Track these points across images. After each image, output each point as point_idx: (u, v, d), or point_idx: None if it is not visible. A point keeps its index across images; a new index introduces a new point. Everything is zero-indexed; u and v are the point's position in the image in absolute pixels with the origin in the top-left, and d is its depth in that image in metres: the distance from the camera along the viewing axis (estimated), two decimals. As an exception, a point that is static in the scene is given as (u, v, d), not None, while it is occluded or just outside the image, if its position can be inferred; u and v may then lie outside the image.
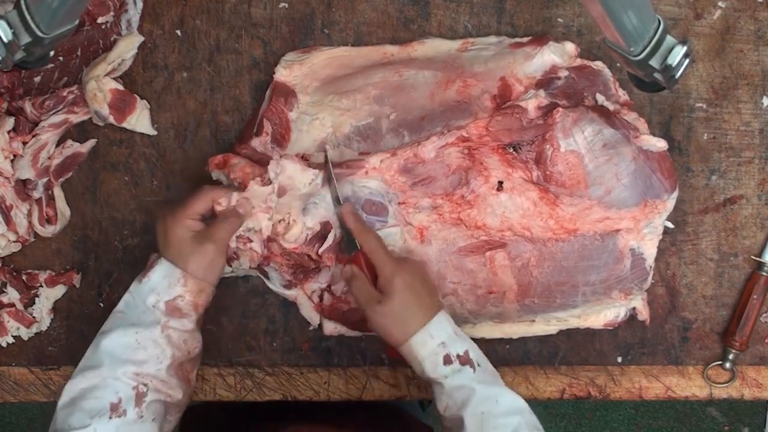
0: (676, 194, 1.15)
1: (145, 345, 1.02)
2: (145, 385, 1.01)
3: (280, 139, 1.16)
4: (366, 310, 1.07)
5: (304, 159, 1.15)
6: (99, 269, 1.23)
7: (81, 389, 1.00)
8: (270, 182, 1.10)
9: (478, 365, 1.04)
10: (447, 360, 1.03)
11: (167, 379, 1.03)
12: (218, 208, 1.08)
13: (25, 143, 1.18)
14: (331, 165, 1.13)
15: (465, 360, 1.04)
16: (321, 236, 1.14)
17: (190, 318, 1.05)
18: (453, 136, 1.13)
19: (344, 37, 1.22)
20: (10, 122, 1.17)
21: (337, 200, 1.13)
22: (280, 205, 1.12)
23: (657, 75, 0.98)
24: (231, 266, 1.17)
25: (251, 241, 1.13)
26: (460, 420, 1.01)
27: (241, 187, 1.10)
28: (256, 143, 1.15)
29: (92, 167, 1.22)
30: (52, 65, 1.19)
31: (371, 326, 1.08)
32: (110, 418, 0.98)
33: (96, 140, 1.22)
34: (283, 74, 1.18)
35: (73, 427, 0.97)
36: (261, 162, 1.13)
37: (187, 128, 1.22)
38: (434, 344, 1.04)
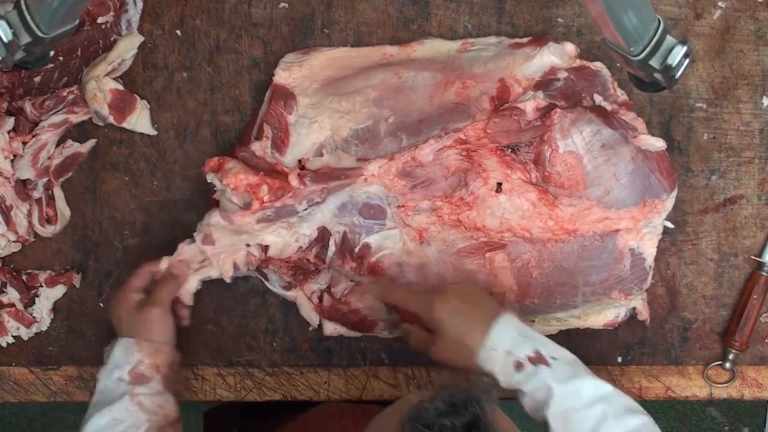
0: (675, 194, 1.15)
1: (121, 418, 1.05)
2: None
3: (279, 143, 1.16)
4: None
5: (302, 166, 1.15)
6: (99, 269, 1.23)
7: None
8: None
9: (554, 359, 1.01)
10: (518, 366, 1.00)
11: None
12: (155, 275, 1.14)
13: (25, 143, 1.18)
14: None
15: (537, 359, 1.00)
16: (319, 241, 1.14)
17: (155, 379, 1.08)
18: (450, 139, 1.13)
19: (344, 37, 1.22)
20: (10, 122, 1.16)
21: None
22: (235, 241, 1.13)
23: (657, 75, 0.98)
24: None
25: (249, 245, 1.13)
26: (545, 421, 0.98)
27: (235, 194, 1.10)
28: (256, 147, 1.15)
29: (92, 167, 1.22)
30: (52, 65, 1.19)
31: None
32: None
33: (96, 140, 1.22)
34: (282, 76, 1.18)
35: None
36: (258, 167, 1.12)
37: (187, 128, 1.22)
38: (499, 356, 1.00)
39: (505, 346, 1.01)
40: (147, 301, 1.11)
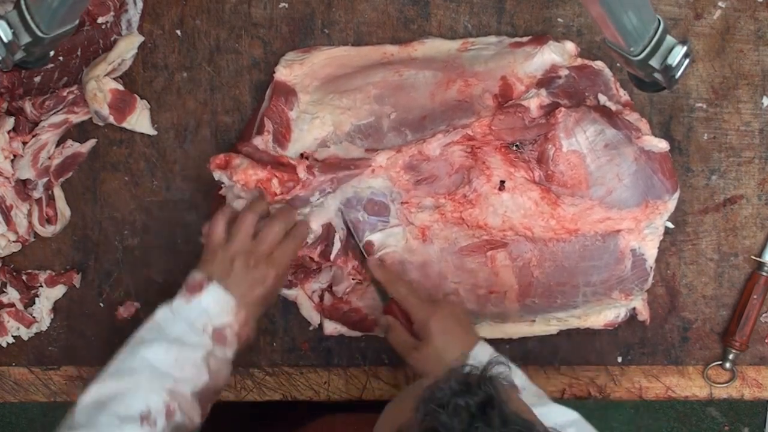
0: (677, 195, 1.15)
1: (183, 365, 1.00)
2: (177, 403, 0.99)
3: (281, 139, 1.16)
4: (406, 359, 1.08)
5: (305, 158, 1.15)
6: (99, 269, 1.22)
7: (112, 392, 0.98)
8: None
9: (523, 389, 1.03)
10: None
11: (193, 403, 1.01)
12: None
13: (25, 143, 1.18)
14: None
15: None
16: (324, 239, 1.14)
17: (231, 348, 1.04)
18: (458, 134, 1.13)
19: (344, 37, 1.22)
20: (10, 122, 1.16)
21: (362, 254, 1.15)
22: None
23: (657, 75, 0.98)
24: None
25: None
26: None
27: (245, 189, 1.10)
28: (258, 141, 1.15)
29: (92, 167, 1.22)
30: (52, 65, 1.19)
31: (413, 371, 1.08)
32: (141, 425, 0.96)
33: (96, 140, 1.22)
34: (283, 73, 1.18)
35: (102, 427, 0.95)
36: (262, 161, 1.12)
37: (187, 128, 1.22)
38: None
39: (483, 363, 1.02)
40: (267, 260, 1.05)
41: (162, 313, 1.03)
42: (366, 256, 1.15)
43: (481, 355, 1.04)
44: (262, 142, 1.15)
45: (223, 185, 1.14)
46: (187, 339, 1.01)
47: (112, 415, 0.96)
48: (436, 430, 0.77)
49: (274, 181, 1.11)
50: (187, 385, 1.00)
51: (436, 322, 1.07)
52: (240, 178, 1.10)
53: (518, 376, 1.05)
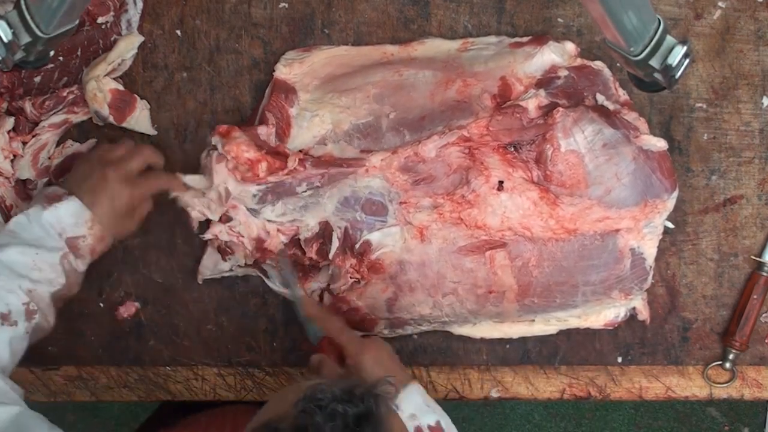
0: (676, 194, 1.15)
1: (41, 267, 1.04)
2: (35, 304, 1.03)
3: (282, 134, 1.16)
4: None
5: (306, 155, 1.15)
6: (99, 269, 1.22)
7: None
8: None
9: None
10: (418, 431, 1.01)
11: (50, 305, 1.05)
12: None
13: (25, 143, 1.18)
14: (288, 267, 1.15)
15: (436, 431, 1.02)
16: (320, 237, 1.14)
17: (84, 260, 1.08)
18: (454, 136, 1.13)
19: (344, 36, 1.22)
20: (10, 122, 1.17)
21: (295, 293, 1.16)
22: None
23: (657, 75, 0.98)
24: (226, 260, 1.17)
25: (243, 236, 1.14)
26: None
27: (233, 162, 1.11)
28: (262, 131, 1.15)
29: (92, 167, 1.22)
30: (52, 65, 1.19)
31: None
32: (2, 324, 1.00)
33: (96, 140, 1.22)
34: (283, 72, 1.19)
35: None
36: (261, 147, 1.12)
37: (187, 128, 1.22)
38: (404, 417, 1.02)
39: (411, 410, 1.02)
40: (133, 182, 1.09)
41: (16, 220, 1.06)
42: (296, 296, 1.16)
43: (408, 403, 1.02)
44: (265, 134, 1.15)
45: (214, 148, 1.14)
46: (44, 242, 1.05)
47: None
48: (306, 429, 0.78)
49: (263, 164, 1.12)
50: (46, 287, 1.04)
51: (369, 356, 1.06)
52: (232, 149, 1.10)
53: (446, 421, 1.04)
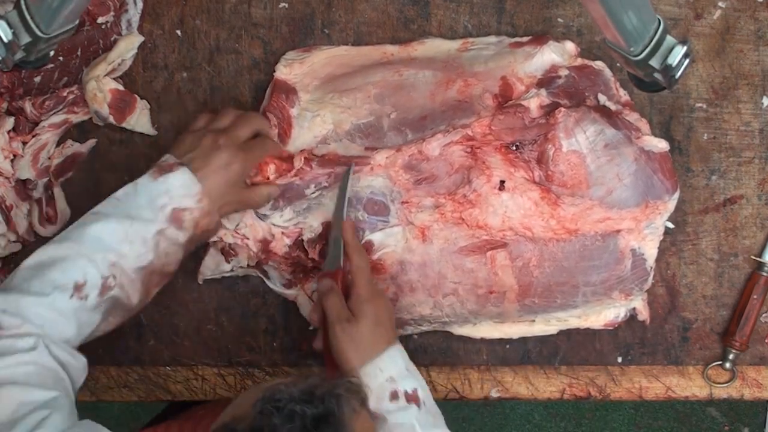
0: (677, 195, 1.15)
1: (132, 239, 1.01)
2: (115, 278, 1.00)
3: (283, 135, 1.16)
4: (334, 326, 1.05)
5: (310, 154, 1.15)
6: (99, 269, 1.22)
7: (51, 257, 0.99)
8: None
9: (425, 404, 1.03)
10: (393, 396, 1.02)
11: (135, 280, 1.02)
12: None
13: (25, 143, 1.18)
14: (349, 180, 1.13)
15: (412, 398, 1.03)
16: (322, 238, 1.14)
17: (186, 233, 1.04)
18: (458, 134, 1.13)
19: (344, 37, 1.22)
20: (10, 122, 1.17)
21: (340, 213, 1.13)
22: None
23: (657, 75, 0.98)
24: (229, 262, 1.17)
25: (248, 238, 1.14)
26: None
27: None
28: None
29: (92, 167, 1.22)
30: (52, 65, 1.19)
31: (332, 344, 1.06)
32: (71, 296, 0.97)
33: (96, 140, 1.22)
34: (283, 72, 1.19)
35: (32, 292, 0.96)
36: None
37: (187, 128, 1.22)
38: (383, 378, 1.03)
39: (391, 372, 1.03)
40: (245, 149, 1.07)
41: (124, 189, 1.04)
42: (340, 216, 1.13)
43: (390, 365, 1.03)
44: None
45: None
46: (142, 214, 1.02)
47: (45, 281, 0.97)
48: (263, 430, 0.77)
49: (272, 166, 1.12)
50: (131, 261, 1.01)
51: (373, 307, 1.06)
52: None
53: (424, 390, 1.05)
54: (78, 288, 0.98)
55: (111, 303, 1.02)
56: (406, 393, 1.03)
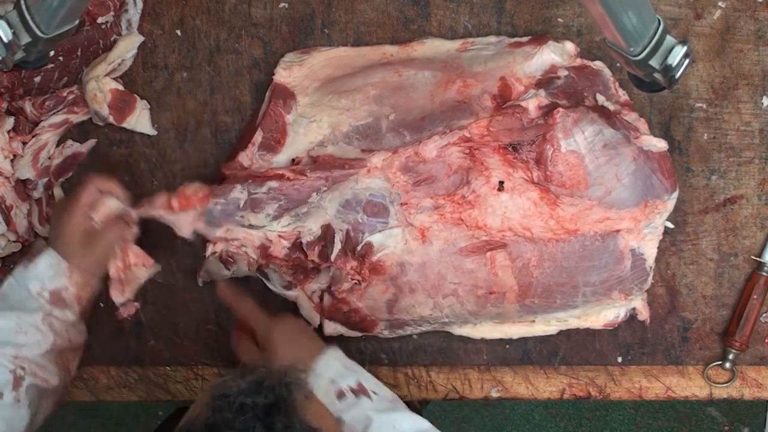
0: (676, 194, 1.15)
1: (25, 330, 1.03)
2: (23, 368, 1.01)
3: (274, 144, 1.16)
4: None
5: (296, 164, 1.15)
6: (99, 269, 1.22)
7: None
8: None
9: (375, 393, 1.04)
10: (340, 395, 1.03)
11: (46, 365, 1.04)
12: (100, 213, 1.09)
13: (25, 143, 1.18)
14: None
15: (359, 390, 1.03)
16: (321, 240, 1.14)
17: (72, 309, 1.07)
18: (455, 136, 1.13)
19: (344, 37, 1.22)
20: (10, 122, 1.17)
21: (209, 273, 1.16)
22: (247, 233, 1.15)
23: (657, 75, 0.98)
24: (229, 269, 1.17)
25: (245, 246, 1.14)
26: None
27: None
28: (243, 158, 1.16)
29: (92, 167, 1.22)
30: (52, 65, 1.19)
31: None
32: None
33: (96, 140, 1.22)
34: (282, 75, 1.18)
35: None
36: (247, 176, 1.12)
37: (187, 128, 1.22)
38: (323, 383, 1.03)
39: (330, 375, 1.04)
40: (96, 234, 1.08)
41: (8, 282, 1.07)
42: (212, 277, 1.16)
43: (326, 369, 1.04)
44: (247, 157, 1.16)
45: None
46: (26, 304, 1.04)
47: None
48: (218, 425, 0.78)
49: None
50: (33, 349, 1.03)
51: (277, 334, 1.07)
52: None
53: (370, 381, 1.05)
54: None
55: (34, 393, 1.03)
56: (351, 389, 1.03)
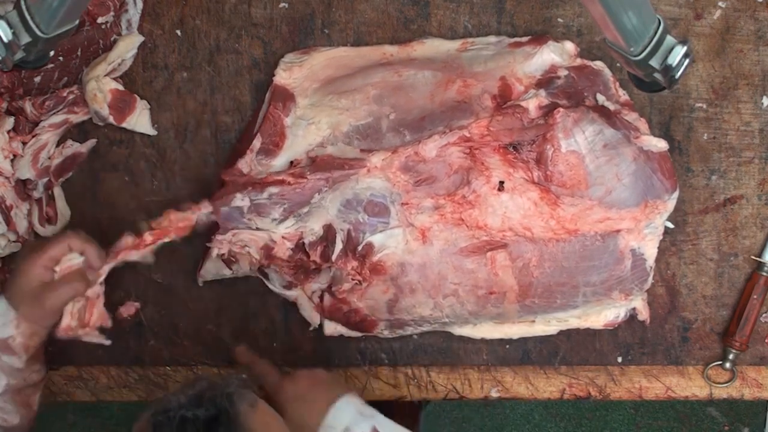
0: (676, 194, 1.15)
1: None
2: None
3: (273, 147, 1.16)
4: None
5: (294, 166, 1.15)
6: (99, 269, 1.22)
7: None
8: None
9: None
10: None
11: (3, 406, 1.04)
12: (62, 266, 1.07)
13: (25, 143, 1.18)
14: None
15: None
16: (323, 240, 1.14)
17: (20, 357, 1.06)
18: (455, 136, 1.13)
19: (344, 37, 1.22)
20: (10, 122, 1.17)
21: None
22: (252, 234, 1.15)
23: (657, 75, 0.98)
24: (231, 269, 1.17)
25: (249, 246, 1.14)
26: None
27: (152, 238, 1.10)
28: (242, 164, 1.15)
29: (92, 167, 1.22)
30: (52, 65, 1.19)
31: None
32: None
33: (96, 140, 1.22)
34: (282, 77, 1.18)
35: None
36: (246, 183, 1.12)
37: (187, 128, 1.22)
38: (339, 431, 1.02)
39: (344, 423, 1.03)
40: (49, 288, 1.05)
41: None
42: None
43: (338, 419, 1.03)
44: (246, 164, 1.15)
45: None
46: None
47: None
48: None
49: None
50: None
51: (284, 394, 1.06)
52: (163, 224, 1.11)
53: (385, 426, 1.03)
54: None
55: None
56: None
